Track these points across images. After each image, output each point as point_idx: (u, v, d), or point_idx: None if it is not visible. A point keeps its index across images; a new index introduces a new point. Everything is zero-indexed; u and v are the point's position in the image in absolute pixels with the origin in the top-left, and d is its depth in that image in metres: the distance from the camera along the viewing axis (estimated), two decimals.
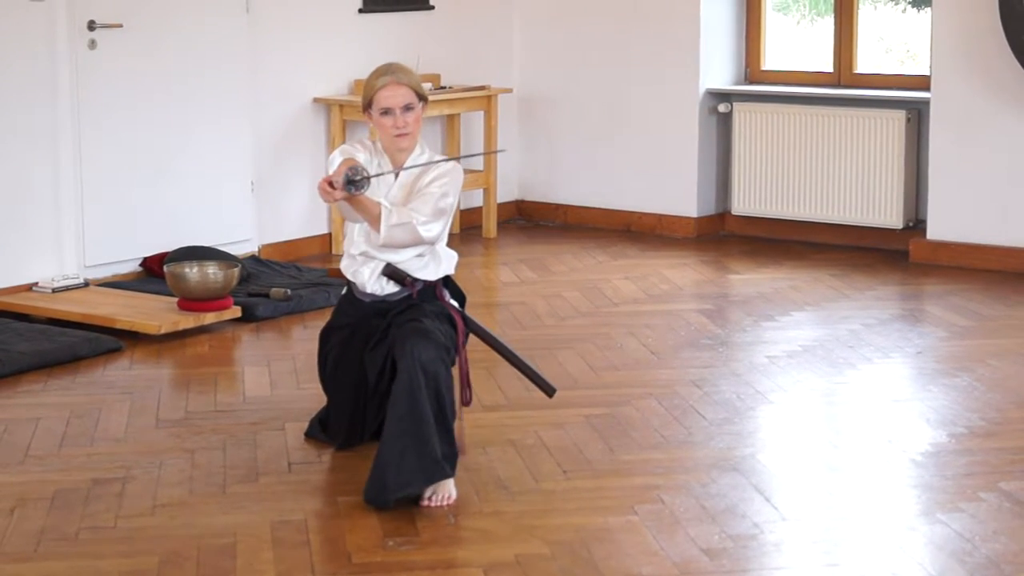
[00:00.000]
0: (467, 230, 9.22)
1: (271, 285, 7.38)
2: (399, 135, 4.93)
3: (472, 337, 5.12)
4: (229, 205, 8.06)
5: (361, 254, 5.00)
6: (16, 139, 7.19)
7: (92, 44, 7.41)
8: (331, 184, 4.69)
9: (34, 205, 7.28)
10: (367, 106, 4.98)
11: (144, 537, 4.44)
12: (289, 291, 7.17)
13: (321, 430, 5.26)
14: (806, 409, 5.76)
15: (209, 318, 6.83)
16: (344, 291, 5.19)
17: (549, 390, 5.25)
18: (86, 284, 7.33)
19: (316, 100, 8.46)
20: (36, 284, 7.25)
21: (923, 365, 6.28)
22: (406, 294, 5.00)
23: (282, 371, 6.15)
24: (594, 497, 4.74)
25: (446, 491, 4.71)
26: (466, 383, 4.98)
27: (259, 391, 5.93)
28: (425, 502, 4.67)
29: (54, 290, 7.17)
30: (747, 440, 5.32)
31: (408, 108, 4.94)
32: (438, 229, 4.90)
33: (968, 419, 5.51)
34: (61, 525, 4.52)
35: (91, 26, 7.39)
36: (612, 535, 4.43)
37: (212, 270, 6.94)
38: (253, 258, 7.99)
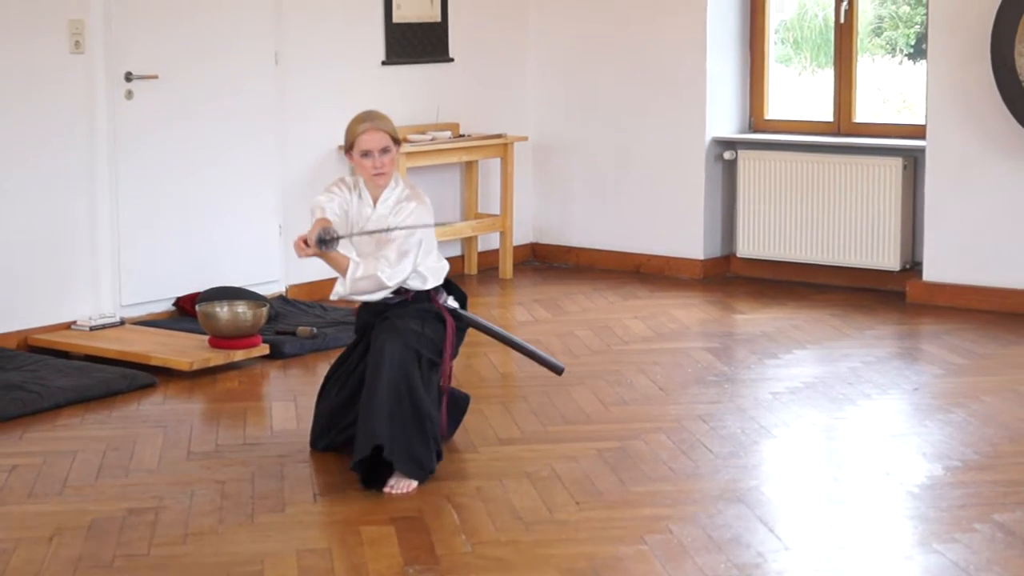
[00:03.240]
0: (484, 271, 9.24)
1: (298, 324, 7.39)
2: (376, 174, 5.33)
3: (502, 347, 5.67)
4: (258, 248, 8.09)
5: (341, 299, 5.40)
6: (56, 185, 7.22)
7: (129, 94, 7.45)
8: (305, 242, 5.16)
9: (73, 248, 7.31)
10: (349, 148, 5.36)
11: (176, 565, 4.44)
12: (315, 329, 7.18)
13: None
14: (808, 443, 5.75)
15: (239, 355, 6.84)
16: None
17: (557, 369, 5.68)
18: (122, 323, 7.36)
19: (340, 148, 8.47)
20: (75, 322, 7.27)
21: (920, 401, 6.27)
22: (403, 298, 5.36)
23: (308, 406, 6.13)
24: (605, 527, 4.73)
25: (407, 482, 5.06)
26: (447, 373, 5.34)
27: (286, 425, 5.94)
28: (387, 488, 5.01)
29: (92, 328, 7.20)
30: (752, 473, 5.31)
31: (385, 151, 5.32)
32: (403, 273, 5.24)
33: (963, 453, 5.49)
34: (97, 553, 4.53)
35: (128, 77, 7.44)
36: (623, 564, 4.42)
37: (242, 309, 6.96)
38: (281, 298, 8.01)
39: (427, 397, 5.19)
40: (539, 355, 5.67)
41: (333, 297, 5.34)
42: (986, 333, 7.47)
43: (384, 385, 5.10)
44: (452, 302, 5.46)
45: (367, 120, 5.32)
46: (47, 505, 4.98)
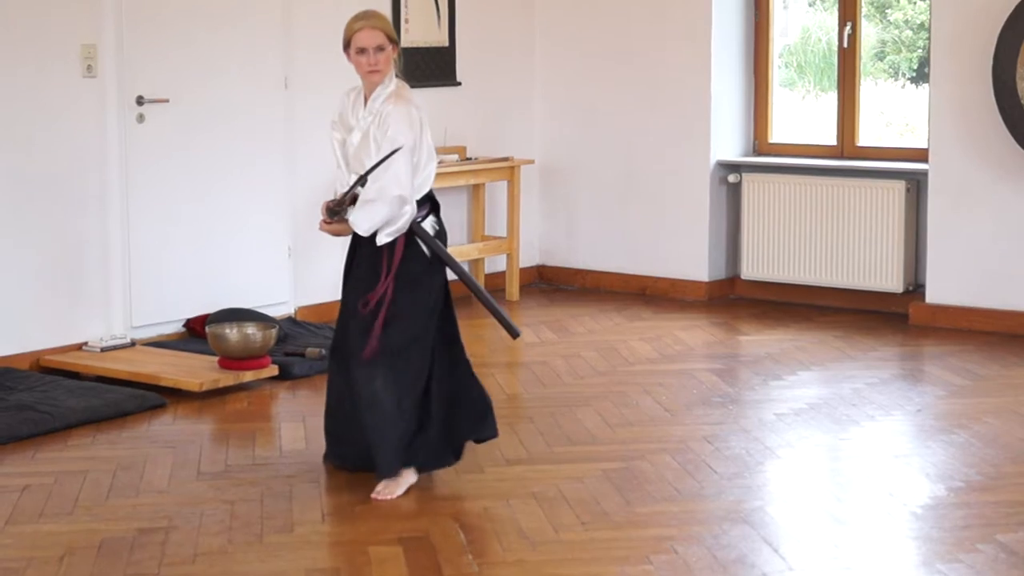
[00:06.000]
0: (491, 293, 9.20)
1: (306, 345, 7.39)
2: (371, 71, 5.30)
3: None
4: (267, 270, 8.10)
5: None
6: (68, 207, 7.24)
7: (140, 118, 7.47)
8: (325, 221, 5.31)
9: (85, 270, 7.33)
10: (346, 46, 5.37)
11: None
12: (323, 351, 7.18)
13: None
14: (812, 464, 5.74)
15: (248, 376, 6.85)
16: None
17: (514, 332, 5.58)
18: (133, 344, 7.36)
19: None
20: (86, 344, 7.28)
21: (922, 422, 6.26)
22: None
23: (317, 427, 6.14)
24: (611, 547, 4.73)
25: (396, 487, 5.21)
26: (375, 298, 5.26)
27: (295, 445, 5.94)
28: (373, 494, 5.16)
29: (103, 349, 7.20)
30: (756, 493, 5.30)
31: (380, 49, 5.30)
32: (402, 180, 5.13)
33: (966, 474, 5.49)
34: (107, 573, 4.53)
35: (139, 101, 7.46)
36: None
37: (251, 331, 6.96)
38: (290, 319, 8.02)
39: (399, 393, 5.22)
40: (500, 313, 5.55)
41: (377, 239, 5.23)
42: (989, 354, 7.46)
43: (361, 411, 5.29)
44: (429, 221, 5.34)
45: (364, 19, 5.32)
46: (58, 525, 4.98)
